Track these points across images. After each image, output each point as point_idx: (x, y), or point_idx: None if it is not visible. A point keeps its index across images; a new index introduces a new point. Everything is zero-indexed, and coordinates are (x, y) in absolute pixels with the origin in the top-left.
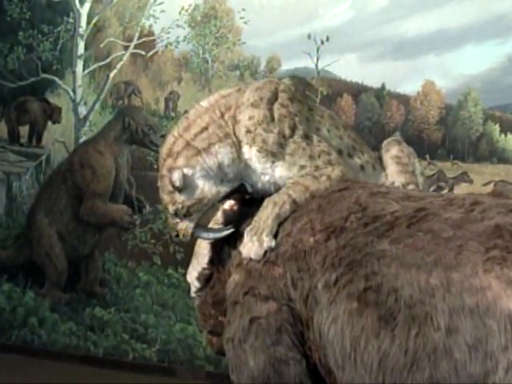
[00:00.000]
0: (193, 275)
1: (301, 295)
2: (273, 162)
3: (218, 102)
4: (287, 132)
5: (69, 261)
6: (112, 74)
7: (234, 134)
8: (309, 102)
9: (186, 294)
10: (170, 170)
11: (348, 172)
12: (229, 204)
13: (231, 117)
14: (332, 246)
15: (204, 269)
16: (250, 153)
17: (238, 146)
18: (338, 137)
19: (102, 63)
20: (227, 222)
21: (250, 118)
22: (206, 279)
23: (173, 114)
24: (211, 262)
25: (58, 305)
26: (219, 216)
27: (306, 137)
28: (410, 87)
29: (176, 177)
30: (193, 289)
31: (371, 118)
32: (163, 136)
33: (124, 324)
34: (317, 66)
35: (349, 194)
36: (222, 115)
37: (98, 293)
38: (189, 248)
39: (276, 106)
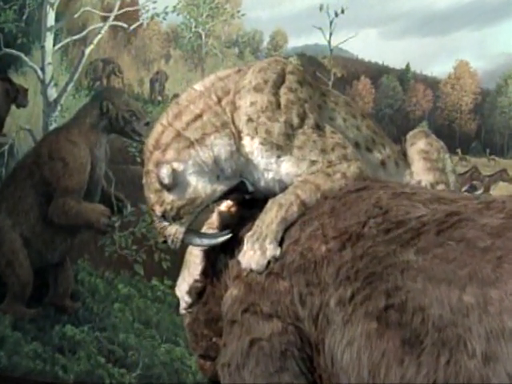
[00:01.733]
0: (183, 288)
1: (310, 313)
2: (278, 157)
3: (215, 84)
4: (295, 121)
5: (34, 270)
6: (88, 50)
7: (233, 122)
8: (321, 86)
9: (174, 310)
10: (158, 164)
11: (366, 169)
12: (226, 205)
13: (230, 103)
14: (347, 256)
15: (196, 281)
16: (252, 145)
17: (237, 137)
18: (354, 127)
19: (76, 37)
20: (223, 227)
21: (252, 104)
22: (198, 293)
23: (159, 98)
24: (204, 273)
25: (20, 322)
26: (214, 219)
27: (318, 127)
28: (439, 68)
29: (164, 173)
30: (182, 304)
31: (393, 104)
32: (148, 124)
33: (99, 345)
34: (329, 42)
35: (367, 194)
36: (219, 101)
37: (69, 308)
38: (177, 256)
39: (283, 90)
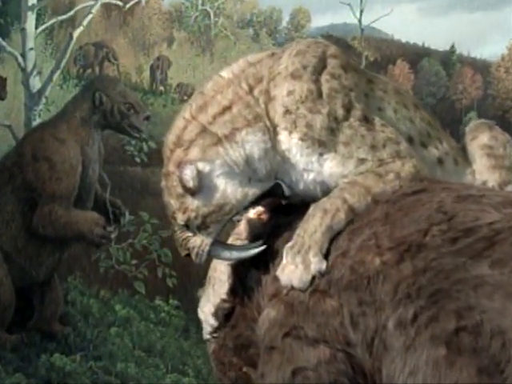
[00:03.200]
0: (207, 310)
1: (363, 338)
2: (321, 155)
3: (245, 71)
4: (340, 113)
5: (17, 289)
6: (77, 33)
7: (268, 115)
8: (366, 72)
9: (180, 334)
10: (180, 164)
11: (423, 167)
12: (256, 212)
13: (263, 92)
14: (407, 270)
15: (223, 301)
16: (290, 141)
17: (272, 132)
18: (407, 119)
19: (63, 17)
20: (254, 237)
21: (290, 93)
22: (225, 315)
23: (161, 88)
24: (232, 291)
25: (1, 350)
26: (242, 228)
27: (366, 119)
28: (490, 50)
29: (188, 174)
30: (207, 328)
31: (436, 92)
32: (148, 118)
33: (94, 376)
34: (360, 21)
35: (427, 197)
36: (251, 90)
37: (58, 333)
38: (184, 271)
39: (325, 76)
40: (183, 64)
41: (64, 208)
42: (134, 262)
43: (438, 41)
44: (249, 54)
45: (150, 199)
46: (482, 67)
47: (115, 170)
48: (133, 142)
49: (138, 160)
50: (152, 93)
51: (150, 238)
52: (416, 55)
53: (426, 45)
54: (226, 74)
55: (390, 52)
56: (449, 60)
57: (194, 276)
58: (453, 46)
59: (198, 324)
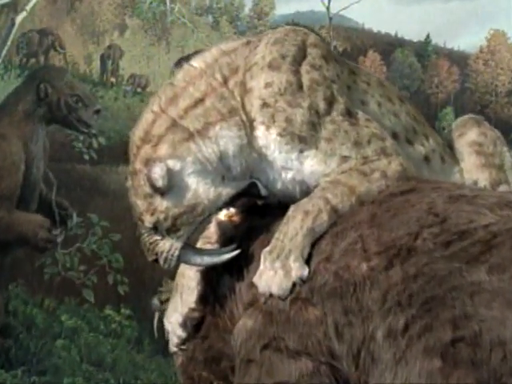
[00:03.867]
0: (174, 320)
1: (349, 349)
2: (301, 151)
3: (219, 60)
4: (322, 106)
5: None
6: (19, 19)
7: (244, 109)
8: (348, 63)
9: (133, 347)
10: (148, 162)
11: (410, 166)
12: (227, 213)
13: (239, 83)
14: (396, 276)
15: (192, 310)
16: (268, 137)
17: (248, 126)
18: (392, 114)
19: (4, 1)
20: (226, 241)
21: (268, 85)
22: (194, 326)
23: (113, 80)
24: (203, 299)
25: None
26: (212, 231)
27: (349, 113)
28: (468, 40)
29: (157, 173)
30: (174, 340)
31: (409, 85)
32: (98, 111)
33: None
34: (328, 9)
35: (417, 198)
36: (225, 81)
37: None
38: (136, 277)
39: (305, 67)
40: (136, 53)
41: (5, 209)
42: (82, 268)
43: (411, 30)
44: (208, 43)
45: (99, 200)
46: (459, 59)
47: (62, 168)
48: (81, 137)
49: (86, 157)
50: (102, 84)
51: (100, 241)
52: (388, 46)
53: (399, 35)
54: (197, 63)
55: (360, 42)
56: (423, 51)
57: (147, 283)
58: (428, 36)
59: (152, 335)
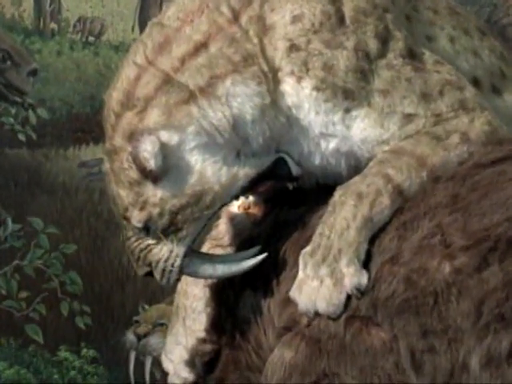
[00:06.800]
0: (177, 357)
1: None
2: (347, 111)
3: None
4: (374, 46)
5: None
6: None
7: (264, 54)
8: None
9: None
10: (134, 136)
11: (501, 124)
12: (241, 204)
13: (255, 19)
14: (495, 279)
15: (201, 341)
16: (299, 93)
17: (271, 79)
18: (471, 52)
19: None
20: (243, 242)
21: (296, 19)
22: (205, 363)
23: (54, 26)
24: (215, 326)
25: None
26: (223, 230)
27: (412, 54)
28: None
29: (147, 150)
30: (175, 382)
31: (477, 13)
32: (35, 72)
33: None
34: None
35: None
36: (236, 17)
37: None
38: (101, 304)
39: None
40: None
41: None
42: (23, 294)
43: None
44: None
45: (43, 197)
46: None
47: None
48: (12, 110)
49: (22, 138)
50: (39, 34)
51: (48, 256)
52: None
53: None
54: None
55: None
56: None
57: (117, 311)
58: None
59: None
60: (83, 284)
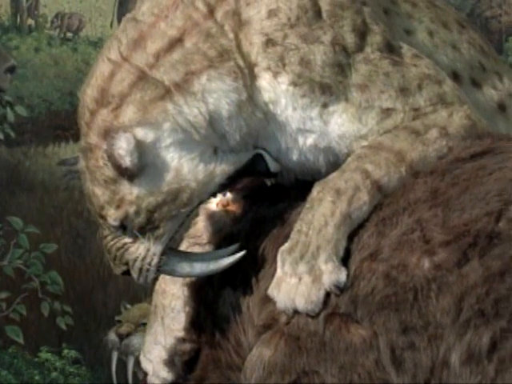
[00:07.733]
0: (156, 356)
1: (413, 382)
2: (324, 106)
3: None
4: (351, 40)
5: None
6: None
7: (240, 50)
8: None
9: None
10: (109, 133)
11: (481, 118)
12: (220, 201)
13: (230, 14)
14: (475, 275)
15: (181, 341)
16: (276, 88)
17: (248, 75)
18: (449, 45)
19: None
20: (222, 240)
21: (272, 13)
22: (185, 363)
23: (31, 22)
24: (195, 325)
25: None
26: (201, 227)
27: (390, 48)
28: None
29: (123, 147)
30: (155, 382)
31: (460, 5)
32: (13, 69)
33: None
34: None
35: (495, 163)
36: (211, 11)
37: None
38: (83, 304)
39: None
40: None
41: None
42: (2, 295)
43: None
44: None
45: (23, 196)
46: None
47: None
48: None
49: (0, 136)
50: (16, 30)
51: (28, 256)
52: None
53: None
54: None
55: None
56: None
57: (99, 310)
58: None
59: None
60: (64, 284)
